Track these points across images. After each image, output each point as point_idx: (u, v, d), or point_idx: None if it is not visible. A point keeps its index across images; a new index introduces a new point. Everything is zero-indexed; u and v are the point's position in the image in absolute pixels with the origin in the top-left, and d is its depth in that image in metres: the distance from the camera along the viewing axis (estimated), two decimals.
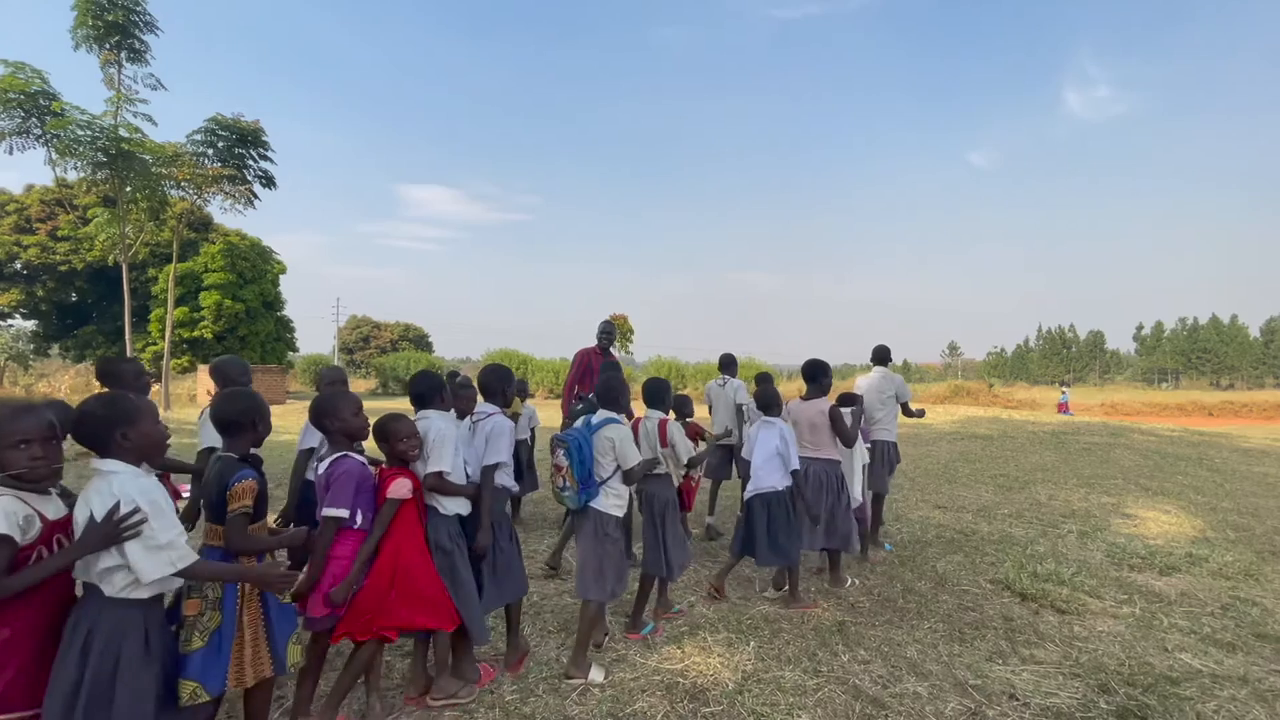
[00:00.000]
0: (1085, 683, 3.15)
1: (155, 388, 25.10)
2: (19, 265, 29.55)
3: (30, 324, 33.08)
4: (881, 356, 5.70)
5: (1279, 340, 74.18)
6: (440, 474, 2.82)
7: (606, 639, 3.45)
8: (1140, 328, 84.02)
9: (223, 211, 21.80)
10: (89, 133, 16.94)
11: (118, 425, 1.93)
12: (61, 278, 29.73)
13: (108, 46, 17.86)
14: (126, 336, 19.00)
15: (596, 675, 3.07)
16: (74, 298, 31.59)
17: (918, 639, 3.59)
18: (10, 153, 16.99)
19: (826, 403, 4.42)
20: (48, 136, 16.89)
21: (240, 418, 2.29)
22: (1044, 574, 4.63)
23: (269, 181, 21.23)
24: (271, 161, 21.07)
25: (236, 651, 2.12)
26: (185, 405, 23.70)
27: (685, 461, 3.60)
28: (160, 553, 1.86)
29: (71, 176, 18.33)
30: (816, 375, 4.48)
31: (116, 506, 1.83)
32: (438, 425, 2.87)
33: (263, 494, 2.23)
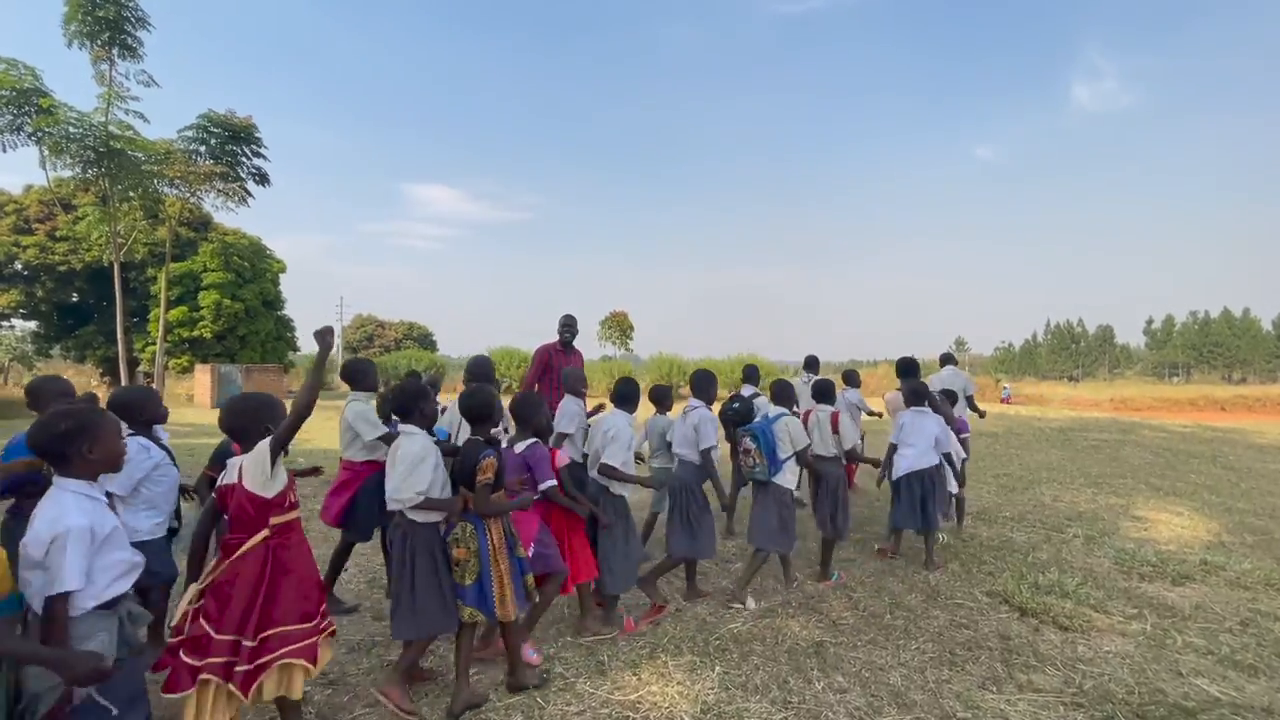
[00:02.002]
0: (1089, 714, 2.81)
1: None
2: (19, 266, 29.46)
3: (31, 324, 33.04)
4: (949, 357, 6.55)
5: None
6: (613, 466, 3.54)
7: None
8: (1150, 321, 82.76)
9: (215, 210, 21.58)
10: (79, 130, 16.75)
11: (420, 399, 2.78)
12: (61, 278, 29.61)
13: (99, 43, 17.63)
14: (119, 337, 18.82)
15: (750, 604, 3.96)
16: (74, 298, 31.48)
17: (903, 662, 3.26)
18: (3, 150, 16.83)
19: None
20: (39, 134, 16.71)
21: (482, 410, 2.93)
22: (1046, 585, 4.28)
23: (263, 179, 21.00)
24: (265, 158, 20.83)
25: (498, 591, 2.71)
26: (183, 406, 23.58)
27: (848, 449, 4.54)
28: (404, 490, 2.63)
29: (63, 175, 18.16)
30: (914, 371, 5.47)
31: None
32: (617, 423, 3.63)
33: (500, 469, 2.78)
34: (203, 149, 19.67)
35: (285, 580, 2.22)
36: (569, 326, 5.51)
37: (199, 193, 20.46)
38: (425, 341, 60.91)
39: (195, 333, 28.58)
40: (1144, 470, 9.46)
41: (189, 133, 19.36)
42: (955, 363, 6.52)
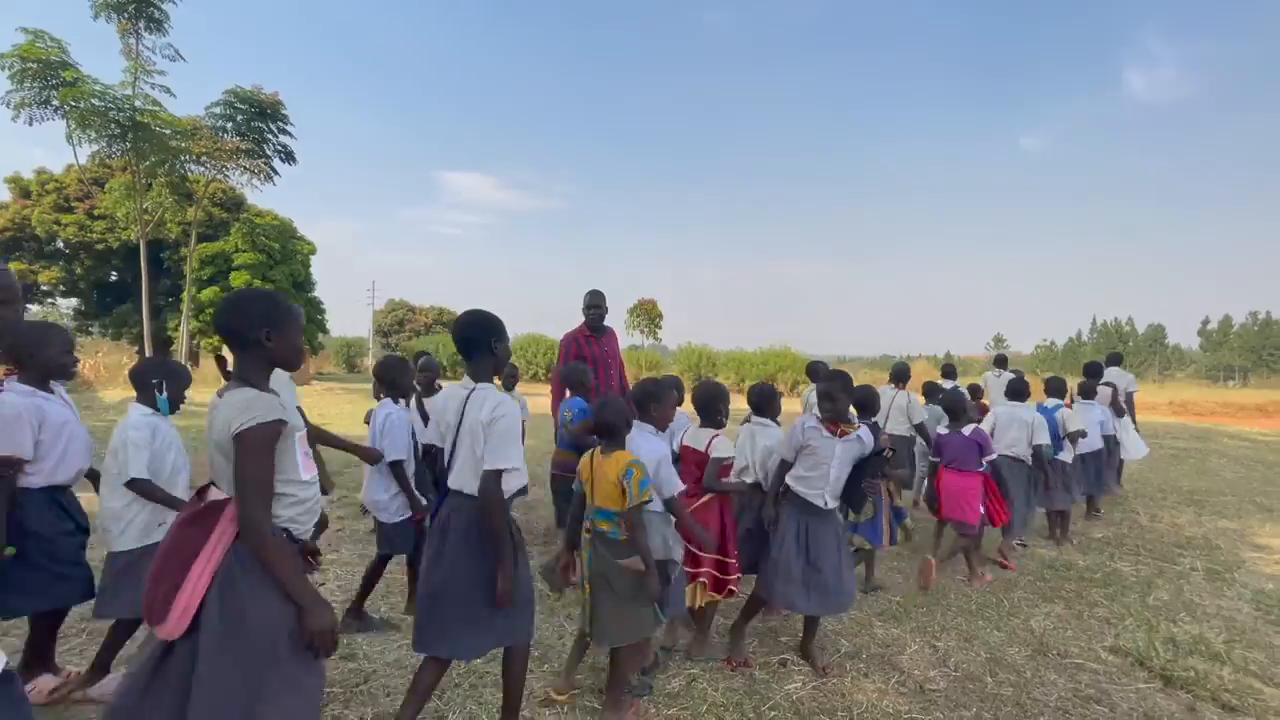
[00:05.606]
0: None
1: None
2: (59, 244, 29.91)
3: (72, 301, 33.65)
4: (1117, 356, 7.45)
5: None
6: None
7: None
8: (1206, 321, 78.38)
9: (240, 187, 21.38)
10: (104, 103, 16.53)
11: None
12: (99, 256, 29.94)
13: (126, 15, 17.39)
14: (144, 314, 18.71)
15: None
16: (113, 276, 31.87)
17: None
18: (29, 124, 16.68)
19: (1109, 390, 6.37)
20: (65, 107, 16.54)
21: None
22: (1185, 642, 3.37)
23: (289, 156, 20.67)
24: (291, 136, 20.49)
25: None
26: (214, 385, 23.59)
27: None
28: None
29: (89, 150, 18.03)
30: (1099, 373, 6.61)
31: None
32: (1023, 415, 4.73)
33: None
34: (229, 125, 19.38)
35: (734, 525, 3.07)
36: (595, 305, 4.67)
37: (225, 169, 20.24)
38: None
39: None
40: (1242, 486, 8.32)
41: (216, 109, 19.08)
42: (1121, 362, 7.30)
